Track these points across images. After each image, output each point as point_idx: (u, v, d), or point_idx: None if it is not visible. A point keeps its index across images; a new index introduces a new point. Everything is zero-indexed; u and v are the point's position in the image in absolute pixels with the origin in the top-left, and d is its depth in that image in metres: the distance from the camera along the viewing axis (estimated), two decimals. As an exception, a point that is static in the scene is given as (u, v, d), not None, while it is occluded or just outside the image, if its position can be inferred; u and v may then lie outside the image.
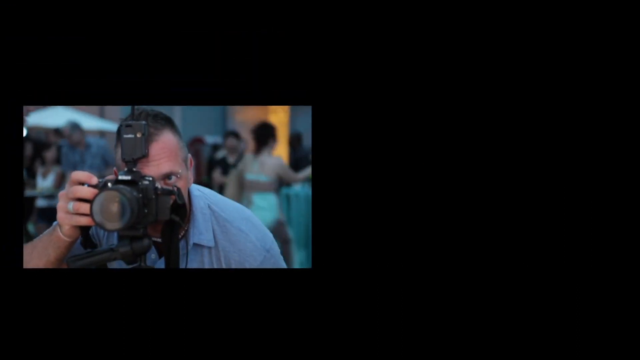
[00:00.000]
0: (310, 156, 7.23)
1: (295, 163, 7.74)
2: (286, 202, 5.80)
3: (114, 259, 1.46)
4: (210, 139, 11.93)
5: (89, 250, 1.50)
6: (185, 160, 1.64)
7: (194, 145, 11.92)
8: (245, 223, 1.75)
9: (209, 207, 1.74)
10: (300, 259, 5.42)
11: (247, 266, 1.68)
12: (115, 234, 1.63)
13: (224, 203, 1.79)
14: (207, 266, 1.69)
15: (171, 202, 1.51)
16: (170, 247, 1.56)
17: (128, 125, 1.48)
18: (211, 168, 7.61)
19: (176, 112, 12.34)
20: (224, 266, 1.69)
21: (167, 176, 1.58)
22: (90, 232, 1.55)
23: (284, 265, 1.78)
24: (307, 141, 8.45)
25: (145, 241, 1.48)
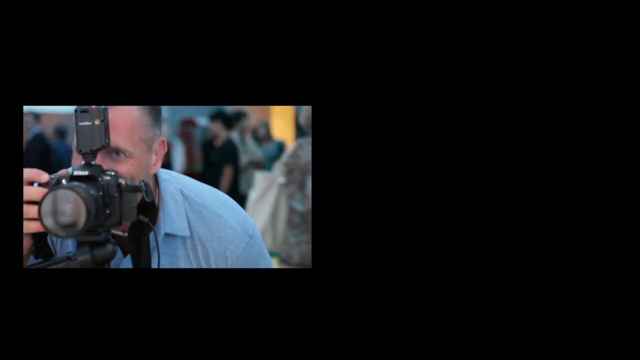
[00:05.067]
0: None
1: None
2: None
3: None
4: (203, 121, 11.56)
5: (41, 260, 1.32)
6: (146, 141, 1.45)
7: (185, 127, 11.53)
8: (224, 207, 1.61)
9: (181, 192, 1.57)
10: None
11: (228, 255, 1.56)
12: (73, 240, 1.43)
13: (198, 187, 1.63)
14: (181, 259, 1.54)
15: (138, 200, 1.32)
16: (139, 250, 1.38)
17: (84, 111, 1.28)
18: (206, 153, 7.24)
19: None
20: (200, 257, 1.55)
21: (115, 151, 1.38)
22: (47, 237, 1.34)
23: (266, 253, 1.66)
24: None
25: (109, 247, 1.29)
